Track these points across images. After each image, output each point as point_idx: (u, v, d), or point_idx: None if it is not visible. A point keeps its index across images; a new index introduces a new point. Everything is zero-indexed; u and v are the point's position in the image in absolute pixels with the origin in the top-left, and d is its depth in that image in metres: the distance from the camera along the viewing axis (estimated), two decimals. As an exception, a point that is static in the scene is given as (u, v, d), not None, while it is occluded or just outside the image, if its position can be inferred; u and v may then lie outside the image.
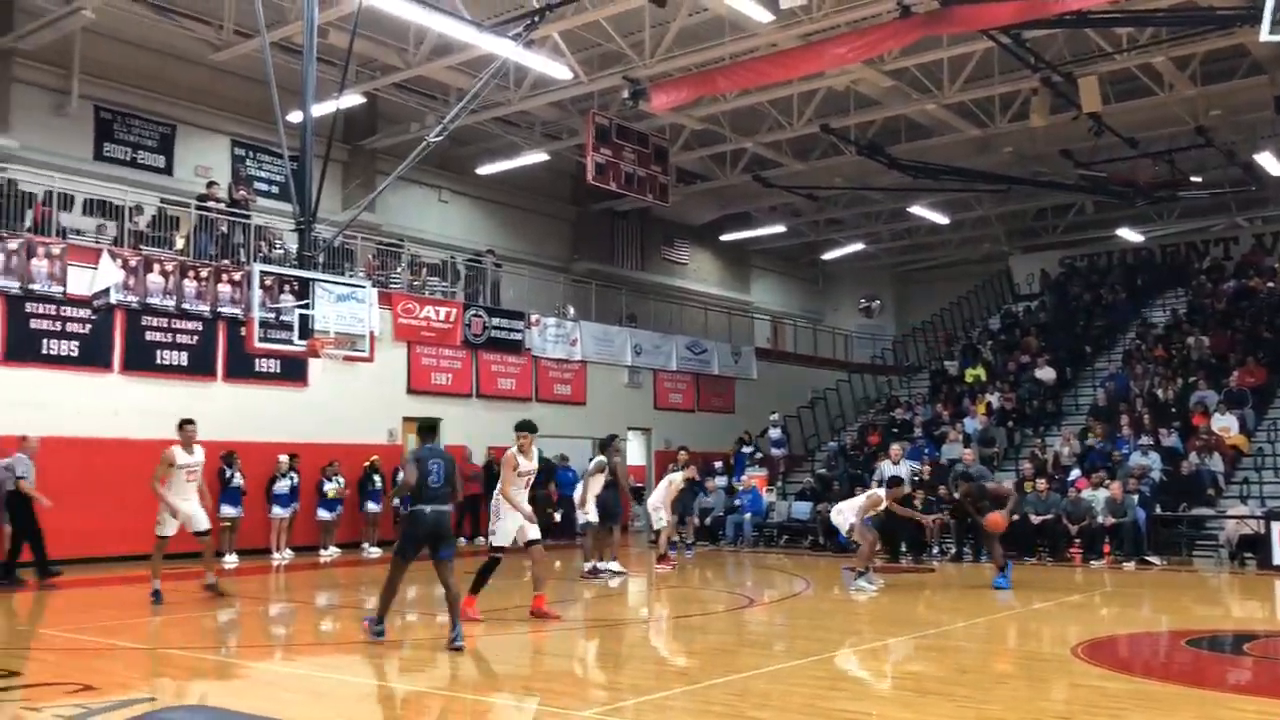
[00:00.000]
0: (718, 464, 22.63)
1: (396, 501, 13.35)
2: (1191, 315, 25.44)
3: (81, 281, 16.25)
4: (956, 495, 15.32)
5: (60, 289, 16.01)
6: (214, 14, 18.28)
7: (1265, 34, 10.70)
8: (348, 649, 9.66)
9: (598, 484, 14.54)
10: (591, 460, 16.18)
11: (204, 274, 17.64)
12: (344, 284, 14.13)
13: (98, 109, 19.75)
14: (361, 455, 19.00)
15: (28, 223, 16.52)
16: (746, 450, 23.76)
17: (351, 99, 19.10)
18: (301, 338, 13.27)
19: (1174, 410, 20.23)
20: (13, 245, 15.61)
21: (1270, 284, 25.34)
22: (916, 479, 17.49)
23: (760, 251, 34.66)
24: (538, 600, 10.45)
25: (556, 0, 15.85)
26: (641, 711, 6.62)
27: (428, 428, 9.97)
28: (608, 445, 14.97)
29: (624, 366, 25.29)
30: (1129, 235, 29.32)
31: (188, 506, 11.67)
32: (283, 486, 17.41)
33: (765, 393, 28.09)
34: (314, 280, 13.49)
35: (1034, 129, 20.64)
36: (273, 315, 15.08)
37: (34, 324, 15.79)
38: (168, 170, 20.66)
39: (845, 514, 13.63)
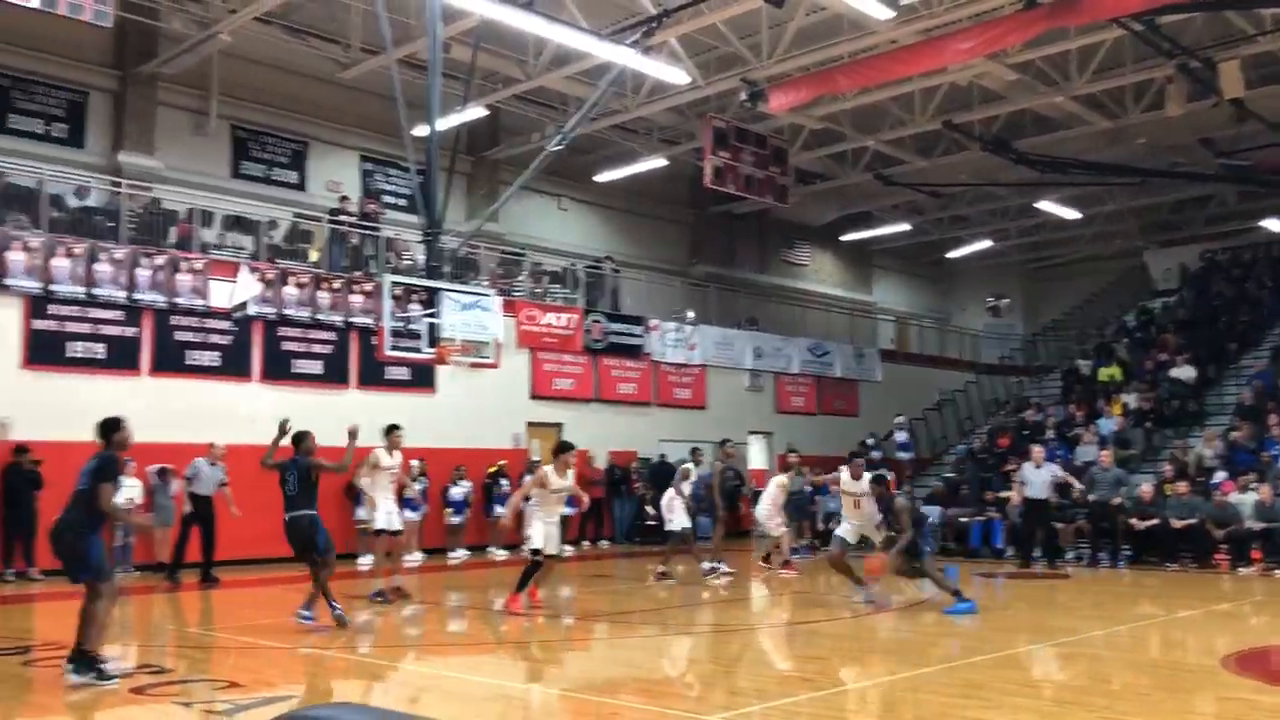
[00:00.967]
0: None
1: None
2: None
3: (222, 295, 16.99)
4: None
5: (203, 302, 16.76)
6: (342, 33, 18.90)
7: None
8: (478, 649, 9.86)
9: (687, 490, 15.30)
10: (686, 465, 16.19)
11: (336, 285, 18.23)
12: (470, 292, 14.43)
13: (234, 128, 20.63)
14: (487, 460, 19.38)
15: (172, 239, 17.34)
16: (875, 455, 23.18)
17: (474, 112, 19.50)
18: (430, 346, 13.62)
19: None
20: (159, 261, 16.40)
21: None
22: (1059, 482, 16.94)
23: (883, 251, 34.13)
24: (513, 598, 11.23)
25: (673, 5, 15.92)
26: (768, 717, 6.58)
27: (297, 439, 10.20)
28: (693, 453, 16.23)
29: (744, 370, 25.19)
30: (1276, 226, 27.89)
31: (387, 505, 12.27)
32: (414, 490, 17.88)
33: (890, 395, 27.62)
34: (441, 290, 13.82)
35: (1170, 118, 19.79)
36: (402, 324, 15.46)
37: (178, 336, 16.55)
38: (300, 186, 21.45)
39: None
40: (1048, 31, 16.34)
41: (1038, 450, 17.37)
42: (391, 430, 12.36)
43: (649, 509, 20.43)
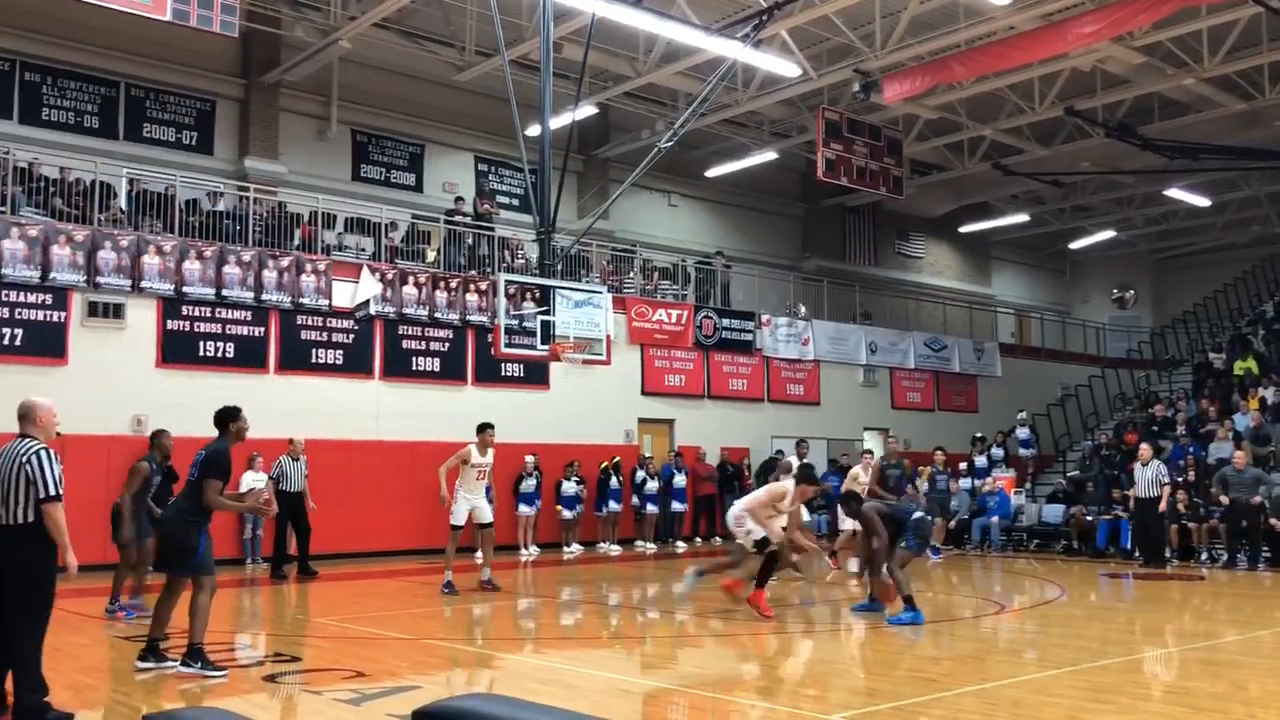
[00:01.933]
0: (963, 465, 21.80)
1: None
2: None
3: (344, 295, 17.46)
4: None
5: (326, 302, 17.26)
6: (457, 36, 19.26)
7: None
8: (592, 643, 9.93)
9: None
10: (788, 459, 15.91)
11: (453, 285, 18.58)
12: (582, 290, 14.56)
13: (354, 133, 21.21)
14: (599, 455, 19.53)
15: (296, 241, 17.90)
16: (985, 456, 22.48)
17: (585, 110, 19.65)
18: (543, 343, 13.79)
19: None
20: (284, 263, 16.95)
21: None
22: (1166, 482, 16.27)
23: (1001, 242, 33.27)
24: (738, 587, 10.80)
25: (784, -2, 15.77)
26: (886, 717, 6.47)
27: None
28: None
29: (858, 365, 24.83)
30: None
31: (476, 500, 12.43)
32: (528, 485, 18.12)
33: (1010, 390, 26.90)
34: (554, 287, 13.97)
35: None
36: (516, 322, 15.73)
37: (304, 335, 17.08)
38: (418, 187, 21.95)
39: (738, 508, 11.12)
40: (1178, 11, 15.71)
41: (1144, 449, 16.71)
42: (484, 429, 12.48)
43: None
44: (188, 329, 16.04)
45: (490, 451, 12.60)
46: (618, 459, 19.68)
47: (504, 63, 15.26)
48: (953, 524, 19.61)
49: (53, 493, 5.94)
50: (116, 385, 15.22)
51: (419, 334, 18.19)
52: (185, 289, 15.96)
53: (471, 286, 18.79)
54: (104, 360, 15.17)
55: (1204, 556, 16.47)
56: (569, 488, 18.75)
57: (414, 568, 15.36)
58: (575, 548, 18.65)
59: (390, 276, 17.99)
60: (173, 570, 7.81)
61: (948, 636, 9.94)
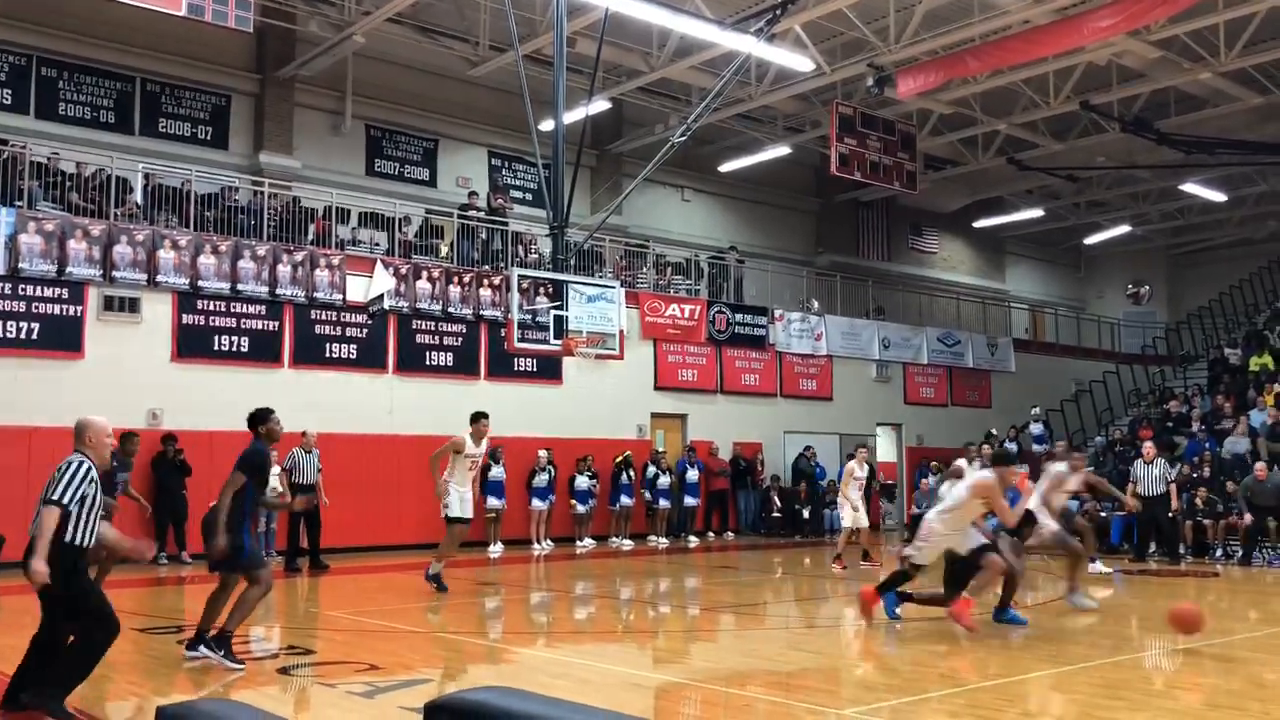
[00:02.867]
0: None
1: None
2: None
3: (358, 289, 17.50)
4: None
5: (340, 297, 17.31)
6: (471, 31, 19.27)
7: None
8: (605, 637, 9.94)
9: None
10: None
11: (467, 279, 18.62)
12: (595, 285, 14.57)
13: (368, 128, 21.24)
14: (612, 450, 19.53)
15: (310, 236, 17.95)
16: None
17: (599, 105, 19.63)
18: (556, 337, 13.81)
19: None
20: (298, 257, 17.00)
21: None
22: (1172, 480, 16.18)
23: (1016, 238, 33.14)
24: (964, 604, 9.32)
25: (798, -8, 15.72)
26: (900, 712, 6.46)
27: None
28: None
29: (872, 361, 24.78)
30: None
31: (465, 492, 11.83)
32: (541, 480, 18.15)
33: (1025, 386, 26.81)
34: (567, 282, 13.99)
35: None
36: (529, 317, 15.73)
37: (318, 329, 17.13)
38: (431, 182, 21.97)
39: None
40: (1195, 5, 15.61)
41: (1148, 447, 16.63)
42: (478, 419, 11.81)
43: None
44: (203, 323, 16.10)
45: (485, 442, 12.15)
46: (629, 454, 19.69)
47: (517, 58, 15.27)
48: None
49: (57, 498, 5.90)
50: (132, 379, 15.28)
51: (432, 329, 18.23)
52: (200, 283, 16.02)
53: (485, 281, 18.81)
54: (119, 354, 15.24)
55: (1219, 553, 16.40)
56: (582, 482, 18.77)
57: (427, 561, 15.38)
58: (588, 542, 18.67)
59: (404, 271, 18.02)
60: (224, 570, 7.86)
61: (959, 633, 9.91)
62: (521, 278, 15.29)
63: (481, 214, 20.10)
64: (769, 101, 21.22)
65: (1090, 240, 32.90)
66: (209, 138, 19.49)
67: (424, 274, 18.19)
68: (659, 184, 24.44)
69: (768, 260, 25.58)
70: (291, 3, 17.98)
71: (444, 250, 19.54)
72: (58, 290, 14.87)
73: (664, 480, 19.86)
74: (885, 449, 25.00)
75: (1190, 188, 26.02)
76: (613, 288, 14.61)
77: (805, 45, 18.18)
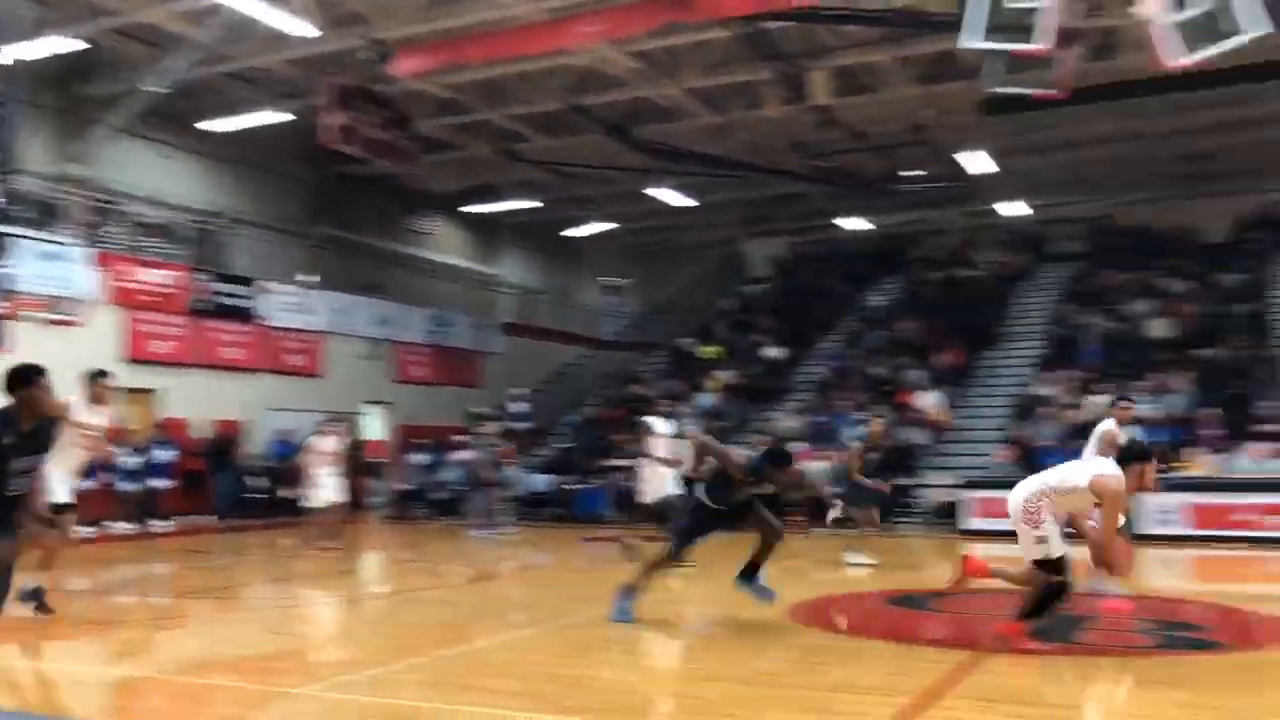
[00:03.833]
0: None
1: None
2: (904, 301, 27.46)
3: None
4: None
5: None
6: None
7: (962, 40, 11.68)
8: (49, 633, 8.99)
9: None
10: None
11: (-117, 225, 15.79)
12: (50, 241, 13.07)
13: None
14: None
15: None
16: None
17: (67, 43, 17.53)
18: (2, 297, 12.20)
19: (888, 389, 21.81)
20: None
21: (973, 273, 27.71)
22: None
23: (510, 225, 34.45)
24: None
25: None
26: (370, 686, 6.53)
27: None
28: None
29: (364, 338, 24.61)
30: (848, 225, 30.97)
31: (61, 474, 8.95)
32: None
33: (512, 367, 28.12)
34: (14, 236, 12.40)
35: (768, 119, 21.53)
36: (-33, 274, 13.76)
37: None
38: None
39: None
40: (669, 24, 17.19)
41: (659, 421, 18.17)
42: (98, 376, 9.61)
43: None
44: None
45: (104, 410, 9.66)
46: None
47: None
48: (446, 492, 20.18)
49: None
50: None
51: None
52: None
53: (-90, 229, 16.08)
54: None
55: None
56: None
57: None
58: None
59: None
60: None
61: (430, 604, 10.21)
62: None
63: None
64: (263, 63, 20.20)
65: (575, 232, 35.14)
66: None
67: None
68: (140, 138, 22.26)
69: (260, 229, 24.41)
70: None
71: None
72: None
73: (132, 461, 18.25)
74: (377, 427, 25.00)
75: (655, 191, 28.56)
76: (73, 246, 13.19)
77: (308, 10, 17.55)
